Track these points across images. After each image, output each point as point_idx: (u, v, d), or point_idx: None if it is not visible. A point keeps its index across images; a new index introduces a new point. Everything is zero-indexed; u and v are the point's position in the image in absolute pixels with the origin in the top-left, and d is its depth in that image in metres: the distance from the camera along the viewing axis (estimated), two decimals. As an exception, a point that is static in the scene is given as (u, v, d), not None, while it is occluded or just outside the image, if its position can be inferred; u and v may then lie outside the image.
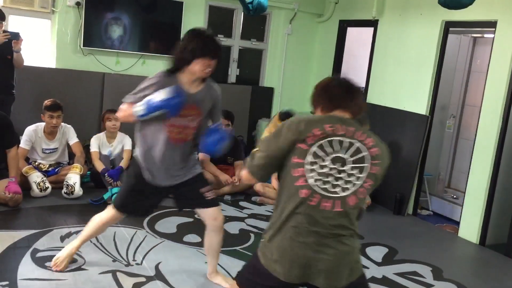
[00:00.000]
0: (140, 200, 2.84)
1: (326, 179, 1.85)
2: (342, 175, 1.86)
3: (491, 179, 4.37)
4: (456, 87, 5.69)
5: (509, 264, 4.07)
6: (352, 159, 1.87)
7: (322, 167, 1.85)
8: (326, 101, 1.97)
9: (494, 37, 4.40)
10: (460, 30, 5.17)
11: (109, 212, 2.92)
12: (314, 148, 1.85)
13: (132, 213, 3.02)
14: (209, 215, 2.90)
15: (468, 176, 4.59)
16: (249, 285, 2.04)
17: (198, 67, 2.57)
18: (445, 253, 4.21)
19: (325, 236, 1.88)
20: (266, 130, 5.46)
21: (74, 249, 3.05)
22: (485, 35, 5.33)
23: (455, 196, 5.52)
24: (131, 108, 2.58)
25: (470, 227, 4.53)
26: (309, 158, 1.84)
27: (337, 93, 1.97)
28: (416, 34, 5.18)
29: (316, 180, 1.85)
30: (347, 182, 1.87)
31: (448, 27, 4.90)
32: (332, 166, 1.86)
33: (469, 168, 4.57)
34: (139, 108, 2.54)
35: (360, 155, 1.88)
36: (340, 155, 1.86)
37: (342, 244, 1.91)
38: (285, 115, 5.01)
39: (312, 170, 1.84)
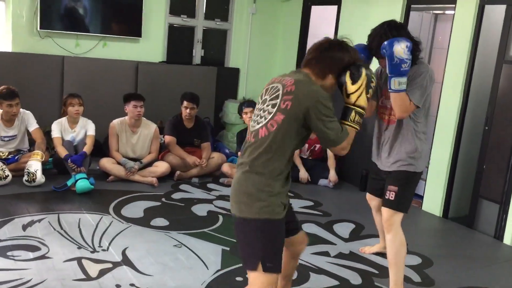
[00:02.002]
0: None
1: (254, 119, 2.10)
2: (261, 112, 2.06)
3: (452, 154, 4.48)
4: (418, 64, 5.76)
5: (470, 235, 4.21)
6: (270, 97, 2.05)
7: (257, 110, 2.11)
8: None
9: (454, 13, 4.46)
10: (421, 7, 5.21)
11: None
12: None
13: None
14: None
15: (430, 152, 4.69)
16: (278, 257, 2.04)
17: None
18: (410, 227, 4.30)
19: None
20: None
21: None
22: (446, 12, 5.40)
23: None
24: None
25: (433, 201, 4.64)
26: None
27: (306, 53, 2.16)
28: (379, 11, 5.19)
29: (252, 123, 2.11)
30: (261, 117, 2.05)
31: (410, 4, 4.93)
32: (259, 107, 2.10)
33: (431, 144, 4.67)
34: None
35: (276, 93, 2.03)
36: (266, 97, 2.08)
37: (238, 173, 2.07)
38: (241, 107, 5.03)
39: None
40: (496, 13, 4.29)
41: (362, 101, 2.08)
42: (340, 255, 3.45)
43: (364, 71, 2.06)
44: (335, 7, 5.83)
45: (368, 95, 2.09)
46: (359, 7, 5.44)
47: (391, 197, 2.82)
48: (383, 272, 3.25)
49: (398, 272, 2.82)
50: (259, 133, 2.02)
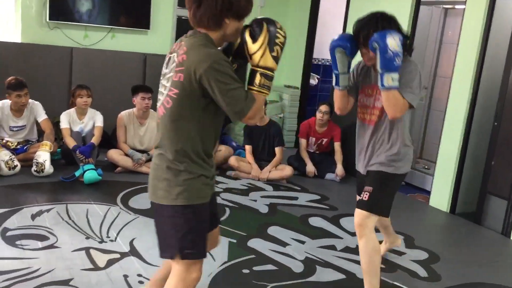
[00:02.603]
0: None
1: (158, 98, 1.92)
2: (161, 89, 1.89)
3: (461, 150, 4.45)
4: (428, 58, 5.73)
5: (477, 231, 4.19)
6: (166, 70, 1.87)
7: (160, 86, 1.92)
8: None
9: (465, 8, 4.42)
10: (431, 1, 5.18)
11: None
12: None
13: None
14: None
15: (439, 147, 4.67)
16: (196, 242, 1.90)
17: None
18: (417, 222, 4.31)
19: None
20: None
21: None
22: (456, 6, 5.36)
23: (426, 167, 5.61)
24: None
25: (440, 196, 4.63)
26: None
27: None
28: (389, 5, 5.14)
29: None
30: (161, 93, 1.88)
31: (420, -2, 4.90)
32: (161, 83, 1.90)
33: (440, 139, 4.65)
34: None
35: (172, 65, 1.82)
36: (165, 70, 1.88)
37: (154, 158, 1.92)
38: None
39: None
40: (507, 8, 4.25)
41: (267, 61, 1.78)
42: (347, 249, 3.45)
43: (265, 26, 1.78)
44: (344, 0, 5.80)
45: (274, 53, 1.78)
46: (368, 0, 5.40)
47: (365, 197, 2.55)
48: (390, 266, 3.25)
49: (372, 280, 2.59)
50: (159, 112, 1.87)
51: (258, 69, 1.79)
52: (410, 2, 4.91)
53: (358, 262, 3.25)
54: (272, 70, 1.80)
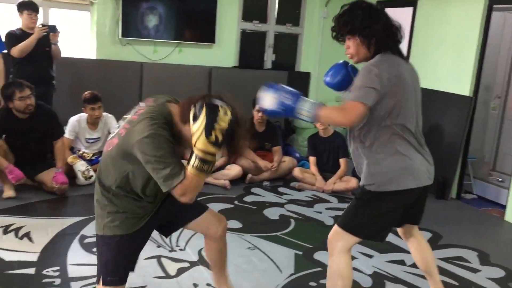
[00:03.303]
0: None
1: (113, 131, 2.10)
2: (120, 121, 2.08)
3: (539, 161, 4.21)
4: (501, 66, 5.47)
5: (559, 248, 3.93)
6: (128, 116, 2.02)
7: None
8: None
9: (542, 12, 4.20)
10: (504, 7, 4.95)
11: None
12: None
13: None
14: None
15: (515, 158, 4.44)
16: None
17: None
18: (492, 238, 4.10)
19: None
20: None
21: None
22: (532, 11, 5.10)
23: (500, 179, 5.34)
24: None
25: (517, 211, 4.39)
26: None
27: None
28: (458, 12, 5.00)
29: None
30: (113, 132, 2.04)
31: (492, 4, 4.70)
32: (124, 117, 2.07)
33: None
34: None
35: (129, 115, 2.00)
36: (128, 114, 2.04)
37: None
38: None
39: None
40: None
41: (202, 145, 1.74)
42: (416, 265, 3.34)
43: (204, 111, 1.74)
44: (410, 9, 5.68)
45: (211, 138, 1.73)
46: (437, 8, 5.26)
47: (344, 212, 2.30)
48: (464, 284, 3.12)
49: None
50: (108, 145, 2.03)
51: (195, 150, 1.77)
52: (482, 7, 4.73)
53: (429, 279, 3.14)
54: (208, 152, 1.76)
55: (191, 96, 1.89)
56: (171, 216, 2.24)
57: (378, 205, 2.21)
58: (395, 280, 3.09)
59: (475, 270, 3.35)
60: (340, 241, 2.24)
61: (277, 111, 2.10)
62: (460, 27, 4.96)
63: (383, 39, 2.18)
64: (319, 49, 6.63)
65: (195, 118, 1.77)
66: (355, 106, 2.07)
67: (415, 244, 2.54)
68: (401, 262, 3.37)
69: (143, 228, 2.09)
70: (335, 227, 2.29)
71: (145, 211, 2.07)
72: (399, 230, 2.57)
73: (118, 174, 1.96)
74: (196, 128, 1.75)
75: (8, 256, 2.96)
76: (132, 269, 2.17)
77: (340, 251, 2.23)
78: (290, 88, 2.13)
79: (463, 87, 4.92)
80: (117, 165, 1.95)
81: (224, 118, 1.76)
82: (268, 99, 2.11)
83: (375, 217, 2.23)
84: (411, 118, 2.22)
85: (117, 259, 2.06)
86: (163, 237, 3.44)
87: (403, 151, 2.18)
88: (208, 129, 1.74)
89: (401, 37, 2.26)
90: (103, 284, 2.05)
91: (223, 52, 6.13)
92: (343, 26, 2.22)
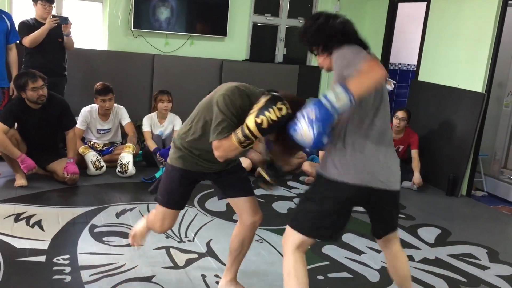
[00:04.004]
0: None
1: None
2: None
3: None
4: (515, 63, 5.42)
5: None
6: None
7: None
8: None
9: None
10: (520, 3, 4.89)
11: None
12: None
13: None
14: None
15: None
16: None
17: None
18: (501, 235, 4.08)
19: None
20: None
21: None
22: (548, 7, 5.03)
23: (511, 177, 5.30)
24: None
25: (528, 209, 4.35)
26: None
27: None
28: (472, 7, 4.95)
29: None
30: None
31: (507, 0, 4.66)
32: None
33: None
34: None
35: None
36: None
37: None
38: None
39: None
40: None
41: (250, 121, 1.97)
42: (425, 261, 3.34)
43: (265, 99, 1.96)
44: (423, 4, 5.63)
45: (258, 120, 1.93)
46: (451, 4, 5.21)
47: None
48: (472, 281, 3.10)
49: None
50: None
51: (244, 124, 2.00)
52: (496, 3, 4.68)
53: (437, 275, 3.14)
54: (251, 132, 1.97)
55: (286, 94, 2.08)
56: (224, 185, 2.50)
57: (322, 198, 2.07)
58: (403, 275, 3.08)
59: (484, 267, 3.34)
60: (289, 239, 2.13)
61: (319, 135, 1.79)
62: (474, 23, 4.91)
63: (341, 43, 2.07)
64: (331, 43, 6.59)
65: (259, 102, 2.00)
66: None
67: (390, 257, 2.36)
68: (410, 258, 3.35)
69: (198, 174, 2.41)
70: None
71: (203, 161, 2.33)
72: (378, 242, 2.40)
73: (198, 123, 2.27)
74: (255, 107, 1.98)
75: (20, 244, 3.00)
76: (178, 205, 2.47)
77: (290, 250, 2.11)
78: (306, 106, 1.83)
79: (476, 83, 4.88)
80: (201, 114, 2.26)
81: (277, 111, 1.93)
82: (300, 134, 1.82)
83: (316, 213, 2.07)
84: (375, 114, 2.05)
85: (170, 184, 2.42)
86: (172, 228, 3.47)
87: (358, 147, 2.01)
88: (260, 111, 1.94)
89: (356, 31, 2.20)
90: (154, 199, 2.50)
91: (234, 45, 6.12)
92: (307, 45, 2.19)
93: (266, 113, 1.93)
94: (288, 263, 2.11)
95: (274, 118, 1.93)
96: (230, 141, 2.03)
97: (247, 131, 1.98)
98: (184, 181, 2.42)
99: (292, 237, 2.11)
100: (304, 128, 1.80)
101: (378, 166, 2.03)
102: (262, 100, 1.97)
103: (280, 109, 1.94)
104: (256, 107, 1.97)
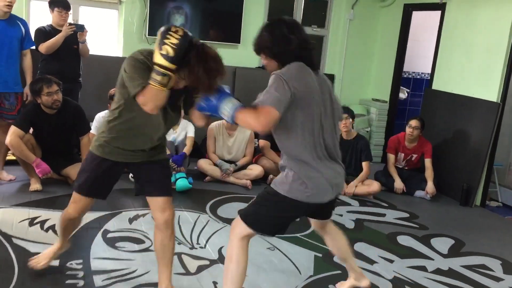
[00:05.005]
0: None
1: None
2: None
3: None
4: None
5: None
6: None
7: None
8: None
9: None
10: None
11: None
12: None
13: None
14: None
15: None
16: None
17: None
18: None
19: None
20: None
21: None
22: None
23: (526, 188, 5.25)
24: None
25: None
26: None
27: None
28: (487, 16, 4.92)
29: None
30: None
31: (524, 8, 4.62)
32: None
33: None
34: None
35: None
36: None
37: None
38: None
39: None
40: None
41: (156, 58, 1.98)
42: (438, 271, 3.31)
43: (162, 28, 2.00)
44: (438, 12, 5.61)
45: (163, 52, 1.96)
46: (465, 12, 5.18)
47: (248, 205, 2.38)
48: (486, 292, 3.07)
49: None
50: None
51: (154, 65, 2.01)
52: (512, 12, 4.65)
53: (450, 286, 3.11)
54: (162, 66, 1.98)
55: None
56: (144, 181, 2.48)
57: (280, 205, 2.27)
58: (416, 286, 3.06)
59: (498, 279, 3.29)
60: (237, 228, 2.35)
61: (202, 107, 2.17)
62: (489, 32, 4.88)
63: (294, 55, 2.21)
64: (344, 51, 6.59)
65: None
66: (268, 111, 2.03)
67: (329, 236, 2.71)
68: (423, 268, 3.33)
69: (116, 163, 2.39)
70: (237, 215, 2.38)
71: (122, 150, 2.35)
72: (312, 222, 2.66)
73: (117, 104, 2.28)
74: (154, 46, 2.01)
75: (34, 248, 3.03)
76: (89, 191, 2.47)
77: (235, 238, 2.34)
78: (222, 86, 2.16)
79: (491, 93, 4.84)
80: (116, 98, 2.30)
81: (174, 35, 1.97)
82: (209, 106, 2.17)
83: (270, 214, 2.31)
84: (320, 129, 2.21)
85: (85, 168, 2.45)
86: (184, 234, 3.48)
87: (310, 162, 2.19)
88: (160, 43, 1.97)
89: (312, 48, 2.31)
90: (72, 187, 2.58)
91: (248, 52, 6.13)
92: (255, 47, 2.30)
93: (166, 41, 1.96)
94: (232, 249, 2.34)
95: (175, 41, 1.97)
96: (151, 88, 2.02)
97: (159, 68, 1.99)
98: (99, 169, 2.40)
99: (240, 228, 2.33)
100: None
101: (332, 178, 2.28)
102: (158, 36, 1.99)
103: (176, 31, 1.98)
104: (155, 44, 2.00)
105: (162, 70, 1.99)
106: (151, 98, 2.05)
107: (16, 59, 4.35)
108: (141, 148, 2.38)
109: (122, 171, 2.48)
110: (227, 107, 2.09)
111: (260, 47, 2.27)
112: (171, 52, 1.96)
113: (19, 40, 4.33)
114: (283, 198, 2.22)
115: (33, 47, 4.55)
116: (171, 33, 1.98)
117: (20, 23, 4.36)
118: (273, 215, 2.30)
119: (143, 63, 2.10)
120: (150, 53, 2.10)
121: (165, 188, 2.47)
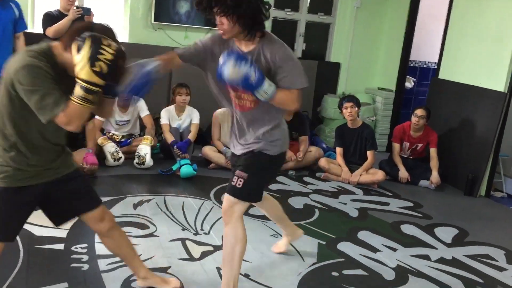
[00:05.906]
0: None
1: None
2: None
3: None
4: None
5: None
6: None
7: None
8: None
9: None
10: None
11: None
12: None
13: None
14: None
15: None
16: None
17: None
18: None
19: None
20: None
21: None
22: None
23: (532, 179, 5.22)
24: None
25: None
26: None
27: None
28: (496, 5, 4.86)
29: None
30: None
31: (533, -3, 4.56)
32: None
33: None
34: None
35: None
36: None
37: None
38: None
39: None
40: None
41: (86, 75, 1.79)
42: (441, 260, 3.31)
43: (88, 42, 1.78)
44: (446, 1, 5.55)
45: (96, 68, 1.78)
46: (474, 0, 5.12)
47: (239, 184, 2.35)
48: (490, 282, 3.07)
49: (232, 271, 2.39)
50: None
51: (79, 81, 1.82)
52: (522, 1, 4.59)
53: (453, 275, 3.11)
54: (91, 83, 1.81)
55: (73, 27, 1.98)
56: (64, 199, 2.20)
57: (272, 168, 2.49)
58: (419, 274, 3.07)
59: (501, 269, 3.29)
60: (237, 209, 2.38)
61: (235, 83, 2.12)
62: (498, 21, 4.82)
63: (256, 17, 2.18)
64: (351, 39, 6.55)
65: (79, 50, 1.81)
66: (298, 94, 2.25)
67: (264, 205, 2.87)
68: (426, 257, 3.33)
69: (28, 190, 2.06)
70: (229, 198, 2.38)
71: (34, 172, 2.05)
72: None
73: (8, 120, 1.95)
74: (80, 58, 1.80)
75: (39, 232, 3.05)
76: (8, 235, 2.13)
77: (237, 219, 2.39)
78: (253, 64, 2.11)
79: (498, 82, 4.80)
80: (6, 108, 1.94)
81: (108, 50, 1.81)
82: (231, 70, 2.09)
83: (265, 179, 2.57)
84: None
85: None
86: (189, 220, 3.50)
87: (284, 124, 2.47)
88: (93, 59, 1.79)
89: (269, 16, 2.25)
90: None
91: (253, 39, 6.10)
92: (216, 4, 2.15)
93: (100, 57, 1.79)
94: (237, 231, 2.37)
95: (110, 57, 1.80)
96: (74, 106, 1.82)
97: (87, 85, 1.80)
98: (8, 203, 2.05)
99: (241, 208, 2.37)
100: (239, 70, 2.09)
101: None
102: (85, 47, 1.78)
103: (109, 45, 1.82)
104: (82, 56, 1.79)
105: (91, 87, 1.81)
106: (77, 116, 1.84)
107: (10, 42, 4.29)
108: (50, 160, 2.10)
109: (30, 203, 2.15)
110: (266, 90, 2.14)
111: (233, 7, 2.12)
112: (105, 69, 1.80)
113: (12, 23, 4.28)
114: (276, 157, 2.39)
115: (26, 30, 4.51)
116: (104, 47, 1.80)
117: (13, 5, 4.31)
118: (268, 179, 2.55)
119: (46, 71, 1.85)
120: (44, 54, 1.89)
121: (94, 197, 2.27)
